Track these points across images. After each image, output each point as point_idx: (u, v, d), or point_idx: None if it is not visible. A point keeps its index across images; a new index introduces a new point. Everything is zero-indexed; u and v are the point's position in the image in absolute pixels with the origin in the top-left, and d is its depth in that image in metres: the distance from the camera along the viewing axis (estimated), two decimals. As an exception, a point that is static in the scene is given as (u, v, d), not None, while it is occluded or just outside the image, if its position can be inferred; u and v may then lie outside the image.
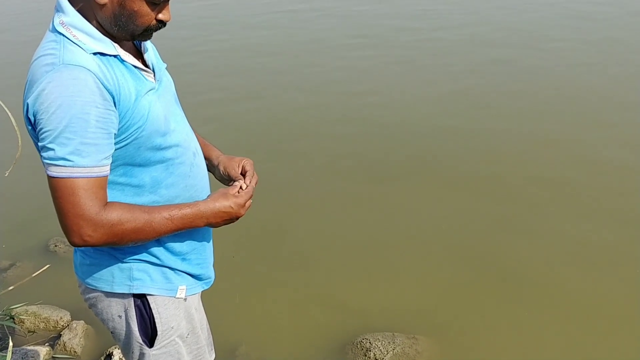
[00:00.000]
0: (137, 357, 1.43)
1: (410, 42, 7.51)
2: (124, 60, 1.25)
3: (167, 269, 1.40)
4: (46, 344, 2.81)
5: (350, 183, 4.38)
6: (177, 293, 1.42)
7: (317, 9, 9.40)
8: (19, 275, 3.38)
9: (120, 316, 1.39)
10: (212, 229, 1.44)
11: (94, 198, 1.15)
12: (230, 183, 1.47)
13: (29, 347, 2.68)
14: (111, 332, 1.45)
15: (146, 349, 1.40)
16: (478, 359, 2.68)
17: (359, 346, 2.75)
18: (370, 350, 2.70)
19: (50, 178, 1.14)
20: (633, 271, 3.23)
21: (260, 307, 3.00)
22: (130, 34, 1.25)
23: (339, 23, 8.61)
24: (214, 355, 1.61)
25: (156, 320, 1.38)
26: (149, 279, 1.37)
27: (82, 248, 1.35)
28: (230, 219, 1.37)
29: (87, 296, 1.44)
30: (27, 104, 1.15)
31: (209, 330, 1.61)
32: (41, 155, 1.16)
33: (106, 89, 1.16)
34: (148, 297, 1.38)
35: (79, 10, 1.22)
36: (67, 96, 1.12)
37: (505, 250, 3.51)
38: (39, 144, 1.16)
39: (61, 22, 1.20)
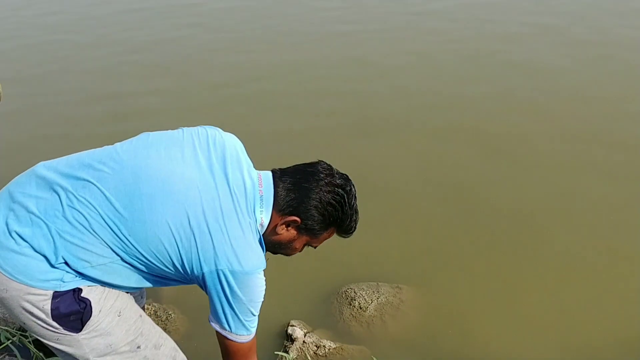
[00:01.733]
0: (67, 345, 1.40)
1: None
2: None
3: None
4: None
5: (335, 137, 4.35)
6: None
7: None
8: None
9: (32, 313, 1.35)
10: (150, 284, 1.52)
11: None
12: None
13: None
14: (24, 324, 1.40)
15: (74, 335, 1.39)
16: (460, 307, 2.74)
17: (343, 296, 2.80)
18: (354, 300, 2.75)
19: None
20: (618, 223, 3.30)
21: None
22: (273, 252, 1.59)
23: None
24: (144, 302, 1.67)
25: (93, 305, 1.37)
26: (75, 279, 1.37)
27: (22, 235, 1.31)
28: None
29: None
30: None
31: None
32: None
33: None
34: (81, 287, 1.37)
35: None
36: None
37: (489, 201, 3.55)
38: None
39: (261, 224, 1.46)
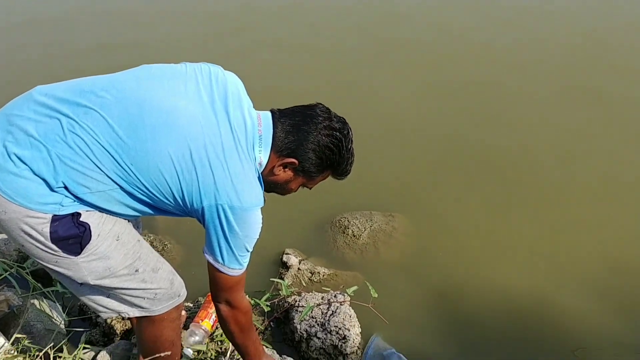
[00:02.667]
0: (66, 268, 1.41)
1: None
2: None
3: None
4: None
5: (330, 67, 4.26)
6: None
7: None
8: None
9: (31, 235, 1.34)
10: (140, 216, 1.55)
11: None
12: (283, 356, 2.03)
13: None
14: (22, 247, 1.39)
15: (73, 258, 1.39)
16: (452, 232, 2.80)
17: (337, 225, 2.83)
18: (348, 228, 2.79)
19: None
20: (605, 159, 3.32)
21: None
22: (268, 191, 1.56)
23: None
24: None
25: (92, 229, 1.37)
26: (76, 203, 1.36)
27: (21, 158, 1.30)
28: None
29: None
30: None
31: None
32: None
33: None
34: (80, 211, 1.36)
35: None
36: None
37: (484, 132, 3.54)
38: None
39: (260, 163, 1.46)
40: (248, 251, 1.48)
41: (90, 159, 1.31)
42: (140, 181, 1.35)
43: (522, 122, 3.62)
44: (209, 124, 1.37)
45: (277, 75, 4.30)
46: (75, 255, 1.38)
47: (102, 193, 1.36)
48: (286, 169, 1.50)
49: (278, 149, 1.46)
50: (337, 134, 1.48)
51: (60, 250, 1.36)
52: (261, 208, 1.46)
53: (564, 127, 3.56)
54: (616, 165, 3.25)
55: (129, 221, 1.53)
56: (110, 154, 1.32)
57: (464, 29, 4.93)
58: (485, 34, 4.83)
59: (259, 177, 1.47)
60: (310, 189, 1.62)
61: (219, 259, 1.45)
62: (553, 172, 3.19)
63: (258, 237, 1.47)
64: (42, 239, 1.34)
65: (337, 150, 1.49)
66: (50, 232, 1.33)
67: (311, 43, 4.79)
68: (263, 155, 1.45)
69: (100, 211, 1.40)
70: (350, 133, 1.53)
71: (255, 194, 1.43)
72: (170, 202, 1.41)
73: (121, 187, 1.36)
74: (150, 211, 1.48)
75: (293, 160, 1.47)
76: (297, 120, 1.48)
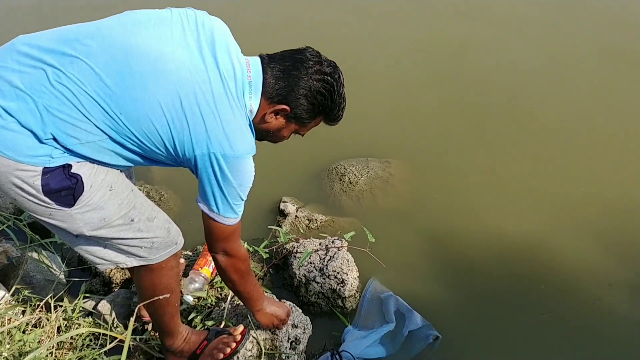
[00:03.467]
0: (60, 220, 1.39)
1: None
2: None
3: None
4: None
5: (328, 10, 4.14)
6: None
7: None
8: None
9: (22, 189, 1.31)
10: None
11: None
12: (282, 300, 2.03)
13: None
14: (15, 200, 1.36)
15: (67, 210, 1.36)
16: (448, 177, 2.80)
17: (334, 172, 2.82)
18: (345, 175, 2.78)
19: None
20: (612, 99, 3.28)
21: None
22: (260, 139, 1.54)
23: None
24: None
25: (84, 180, 1.35)
26: (67, 155, 1.33)
27: (7, 109, 1.26)
28: (270, 326, 1.87)
29: None
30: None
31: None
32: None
33: None
34: (71, 163, 1.33)
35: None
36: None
37: (481, 78, 3.49)
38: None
39: (250, 110, 1.43)
40: (242, 200, 1.47)
41: (78, 109, 1.28)
42: (130, 130, 1.33)
43: (521, 66, 3.56)
44: (198, 70, 1.34)
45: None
46: (69, 207, 1.37)
47: (91, 144, 1.33)
48: (278, 116, 1.48)
49: (268, 95, 1.44)
50: (329, 78, 1.45)
51: (53, 203, 1.35)
52: (254, 156, 1.44)
53: (565, 72, 3.51)
54: (612, 106, 3.23)
55: (121, 171, 1.51)
56: (98, 103, 1.28)
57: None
58: None
59: (250, 125, 1.44)
60: (302, 135, 1.59)
61: (214, 208, 1.45)
62: (550, 117, 3.16)
63: (251, 185, 1.46)
64: (34, 192, 1.32)
65: (329, 95, 1.46)
66: (42, 185, 1.31)
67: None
68: (253, 102, 1.43)
69: (91, 162, 1.38)
70: (341, 77, 1.50)
71: (247, 141, 1.40)
72: (162, 151, 1.39)
73: (111, 137, 1.33)
74: (142, 161, 1.46)
75: (284, 106, 1.45)
76: (286, 65, 1.44)
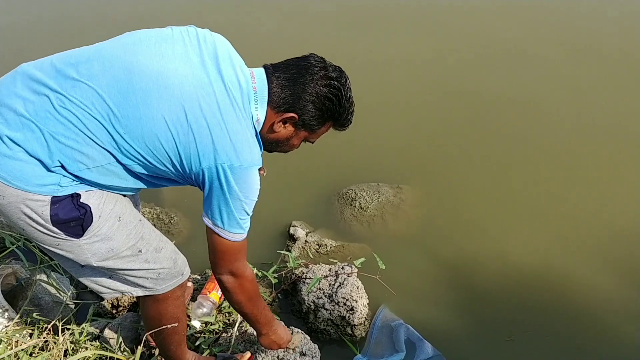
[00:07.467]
0: (68, 251, 1.39)
1: None
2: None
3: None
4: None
5: (330, 29, 4.16)
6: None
7: None
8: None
9: (32, 218, 1.31)
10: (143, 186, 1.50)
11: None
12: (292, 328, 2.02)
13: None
14: (23, 230, 1.36)
15: (75, 241, 1.36)
16: (459, 203, 2.77)
17: (344, 197, 2.81)
18: (355, 200, 2.77)
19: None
20: (622, 115, 3.26)
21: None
22: (270, 150, 1.54)
23: None
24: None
25: (93, 210, 1.35)
26: (73, 184, 1.33)
27: (13, 139, 1.26)
28: (274, 346, 1.82)
29: None
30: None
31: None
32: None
33: None
34: (79, 192, 1.33)
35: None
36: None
37: (490, 101, 3.48)
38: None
39: (257, 120, 1.42)
40: (248, 214, 1.44)
41: (84, 133, 1.28)
42: (135, 150, 1.32)
43: (532, 91, 3.55)
44: (201, 83, 1.33)
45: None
46: (78, 238, 1.36)
47: (99, 168, 1.33)
48: (286, 125, 1.46)
49: (275, 104, 1.43)
50: (335, 83, 1.43)
51: (62, 233, 1.34)
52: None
53: (573, 89, 3.49)
54: (628, 132, 3.19)
55: (128, 200, 1.51)
56: (102, 125, 1.28)
57: None
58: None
59: (257, 136, 1.43)
60: (312, 143, 1.57)
61: (219, 222, 1.41)
62: (563, 140, 3.13)
63: (256, 199, 1.43)
64: (42, 222, 1.31)
65: (336, 100, 1.45)
66: (51, 215, 1.31)
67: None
68: (260, 112, 1.41)
69: (100, 189, 1.38)
70: (348, 81, 1.48)
71: (254, 152, 1.39)
72: (169, 168, 1.37)
73: (117, 160, 1.33)
74: (149, 181, 1.45)
75: (292, 114, 1.43)
76: (292, 73, 1.43)
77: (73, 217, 1.33)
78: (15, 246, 2.26)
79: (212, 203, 1.39)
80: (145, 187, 1.48)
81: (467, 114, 3.37)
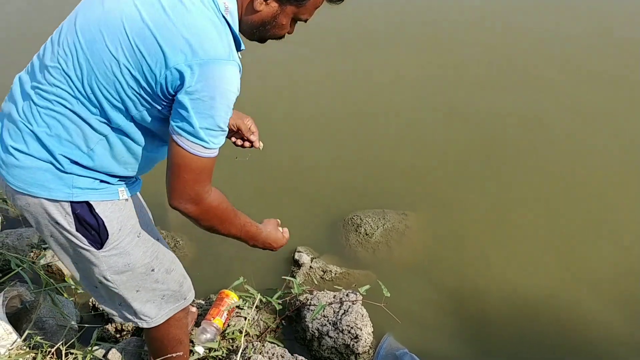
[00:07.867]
0: (86, 261, 1.40)
1: None
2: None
3: (105, 175, 1.36)
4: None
5: (328, 55, 4.18)
6: (118, 196, 1.39)
7: None
8: None
9: (58, 222, 1.33)
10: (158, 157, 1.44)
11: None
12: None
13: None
14: (49, 237, 1.39)
15: (94, 251, 1.38)
16: (466, 231, 2.76)
17: (350, 223, 2.81)
18: (361, 226, 2.77)
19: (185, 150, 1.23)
20: (619, 134, 3.26)
21: (250, 188, 3.02)
22: (261, 38, 1.37)
23: None
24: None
25: (107, 224, 1.35)
26: (89, 186, 1.33)
27: (18, 148, 1.28)
28: (268, 249, 1.56)
29: (17, 201, 1.35)
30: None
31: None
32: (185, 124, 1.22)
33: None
34: (91, 202, 1.34)
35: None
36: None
37: (495, 127, 3.49)
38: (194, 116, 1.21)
39: (226, 8, 1.25)
40: (219, 128, 1.24)
41: (65, 115, 1.27)
42: (104, 96, 1.25)
43: (538, 114, 3.55)
44: (144, 1, 1.23)
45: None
46: (97, 249, 1.38)
47: (101, 143, 1.30)
48: (268, 1, 1.28)
49: None
50: None
51: (84, 239, 1.36)
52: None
53: (583, 118, 3.49)
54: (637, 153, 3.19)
55: (150, 218, 1.52)
56: (73, 95, 1.26)
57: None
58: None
59: (231, 29, 1.28)
60: (306, 21, 1.37)
61: (181, 132, 1.22)
62: (572, 171, 3.12)
63: (231, 105, 1.25)
64: (67, 226, 1.34)
65: None
66: (74, 219, 1.33)
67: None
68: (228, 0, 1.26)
69: (116, 181, 1.37)
70: None
71: (221, 43, 1.22)
72: (144, 105, 1.26)
73: (105, 120, 1.28)
74: (153, 137, 1.37)
75: None
76: None
77: (92, 224, 1.35)
78: (20, 268, 2.26)
79: (177, 112, 1.23)
80: (156, 150, 1.40)
81: (471, 137, 3.36)
